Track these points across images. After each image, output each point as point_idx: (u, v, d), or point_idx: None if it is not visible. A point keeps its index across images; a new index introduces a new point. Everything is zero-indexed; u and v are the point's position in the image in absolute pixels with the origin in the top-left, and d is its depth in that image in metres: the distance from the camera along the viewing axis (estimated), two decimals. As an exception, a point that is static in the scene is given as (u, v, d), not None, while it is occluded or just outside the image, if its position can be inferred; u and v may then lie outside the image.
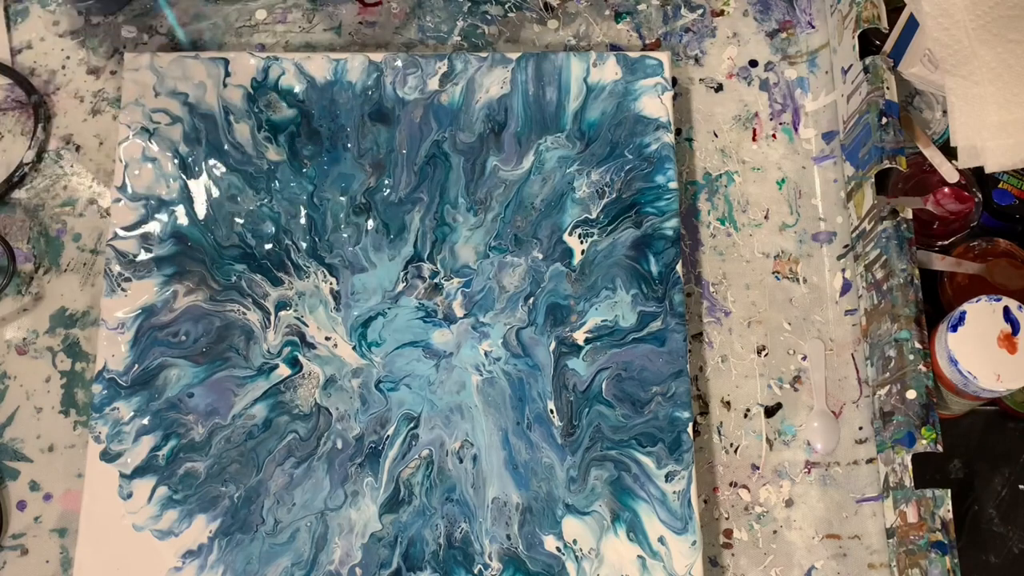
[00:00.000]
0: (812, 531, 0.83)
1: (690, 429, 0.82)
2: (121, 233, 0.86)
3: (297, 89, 0.89)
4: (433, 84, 0.90)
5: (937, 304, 0.86)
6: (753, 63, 0.96)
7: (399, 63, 0.90)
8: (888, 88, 0.85)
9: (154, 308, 0.84)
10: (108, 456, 0.80)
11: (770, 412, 0.86)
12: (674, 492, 0.80)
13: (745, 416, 0.86)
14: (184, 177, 0.87)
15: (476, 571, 0.79)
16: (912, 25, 0.84)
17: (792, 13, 0.97)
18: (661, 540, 0.79)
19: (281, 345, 0.84)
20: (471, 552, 0.79)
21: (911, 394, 0.78)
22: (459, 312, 0.85)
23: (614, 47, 0.96)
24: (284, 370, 0.83)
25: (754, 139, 0.94)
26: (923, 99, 0.90)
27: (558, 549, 0.79)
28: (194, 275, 0.85)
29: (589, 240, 0.86)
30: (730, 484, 0.85)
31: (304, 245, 0.86)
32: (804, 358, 0.88)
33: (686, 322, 0.85)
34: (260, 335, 0.84)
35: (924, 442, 0.77)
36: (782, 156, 0.93)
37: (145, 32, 0.95)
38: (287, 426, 0.82)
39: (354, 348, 0.84)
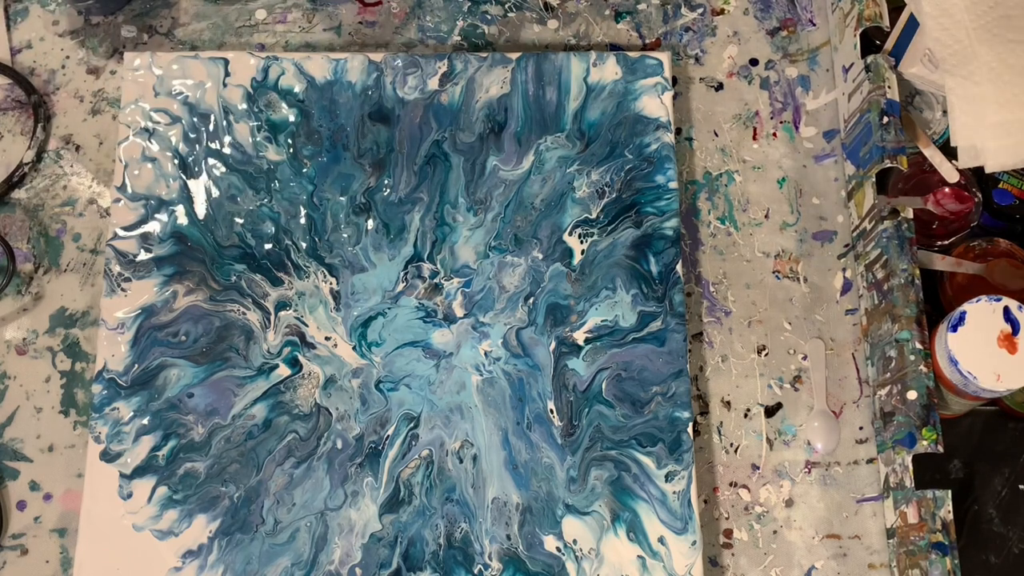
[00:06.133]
0: (812, 531, 0.83)
1: (690, 429, 0.82)
2: (121, 233, 0.86)
3: (297, 89, 0.89)
4: (433, 84, 0.90)
5: (937, 304, 0.86)
6: (754, 62, 0.96)
7: (399, 63, 0.90)
8: (890, 87, 0.85)
9: (154, 308, 0.84)
10: (108, 456, 0.81)
11: (770, 412, 0.86)
12: (674, 492, 0.80)
13: (745, 416, 0.86)
14: (184, 177, 0.87)
15: (476, 571, 0.79)
16: (912, 25, 0.84)
17: (793, 11, 0.97)
18: (661, 540, 0.79)
19: (281, 345, 0.84)
20: (471, 552, 0.79)
21: (912, 395, 0.78)
22: (459, 312, 0.85)
23: (614, 47, 0.95)
24: (284, 370, 0.83)
25: (755, 138, 0.93)
26: (923, 99, 0.90)
27: (558, 549, 0.79)
28: (194, 275, 0.85)
29: (589, 240, 0.86)
30: (730, 484, 0.85)
31: (304, 245, 0.86)
32: (804, 358, 0.87)
33: (686, 322, 0.85)
34: (260, 335, 0.84)
35: (925, 443, 0.77)
36: (783, 155, 0.93)
37: (145, 32, 0.95)
38: (287, 426, 0.82)
39: (354, 348, 0.84)
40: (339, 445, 0.82)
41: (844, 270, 0.90)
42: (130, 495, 0.80)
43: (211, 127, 0.88)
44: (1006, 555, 0.82)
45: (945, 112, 0.85)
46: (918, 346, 0.79)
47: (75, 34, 0.95)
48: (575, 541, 0.80)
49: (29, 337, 0.86)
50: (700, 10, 0.97)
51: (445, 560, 0.79)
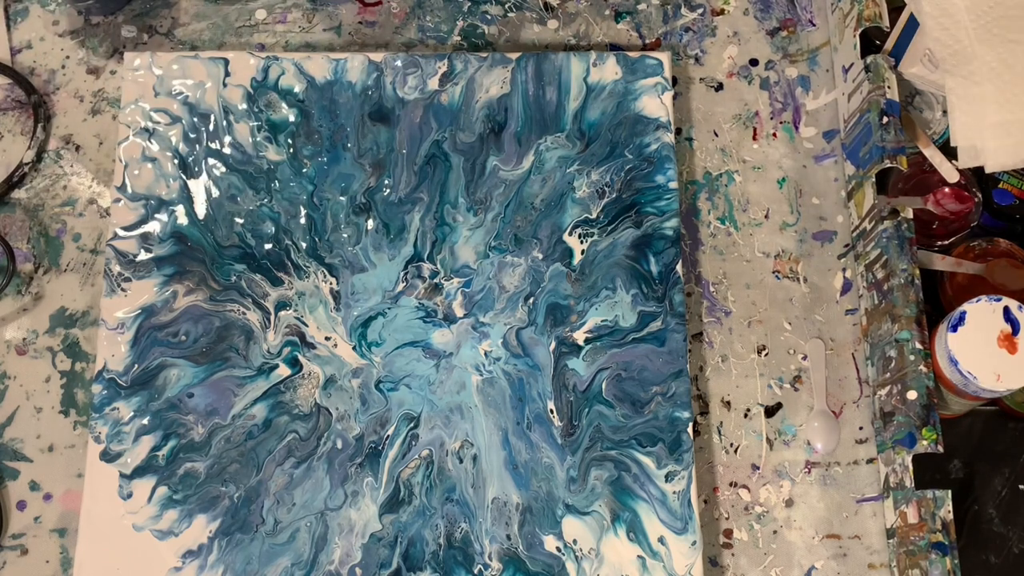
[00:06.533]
0: (812, 531, 0.83)
1: (690, 429, 0.82)
2: (121, 233, 0.86)
3: (297, 89, 0.89)
4: (433, 84, 0.90)
5: (937, 304, 0.86)
6: (754, 62, 0.96)
7: (399, 63, 0.90)
8: (889, 87, 0.85)
9: (154, 308, 0.84)
10: (108, 456, 0.81)
11: (770, 412, 0.86)
12: (674, 492, 0.80)
13: (745, 416, 0.86)
14: (184, 177, 0.87)
15: (476, 571, 0.79)
16: (912, 25, 0.84)
17: (793, 11, 0.97)
18: (661, 540, 0.79)
19: (281, 345, 0.84)
20: (471, 552, 0.79)
21: (912, 395, 0.78)
22: (459, 312, 0.85)
23: (614, 47, 0.96)
24: (284, 370, 0.83)
25: (755, 138, 0.93)
26: (923, 99, 0.90)
27: (558, 549, 0.79)
28: (194, 275, 0.85)
29: (589, 240, 0.86)
30: (730, 484, 0.85)
31: (304, 245, 0.86)
32: (804, 358, 0.87)
33: (686, 322, 0.85)
34: (260, 335, 0.84)
35: (925, 443, 0.77)
36: (783, 155, 0.93)
37: (145, 32, 0.95)
38: (287, 426, 0.82)
39: (354, 348, 0.84)
40: (339, 445, 0.82)
41: (844, 270, 0.90)
42: (130, 495, 0.80)
43: (211, 127, 0.88)
44: (1006, 555, 0.82)
45: (945, 112, 0.85)
46: (918, 346, 0.79)
47: (75, 34, 0.95)
48: (575, 541, 0.80)
49: (29, 337, 0.86)
50: (700, 10, 0.97)
51: (445, 560, 0.79)
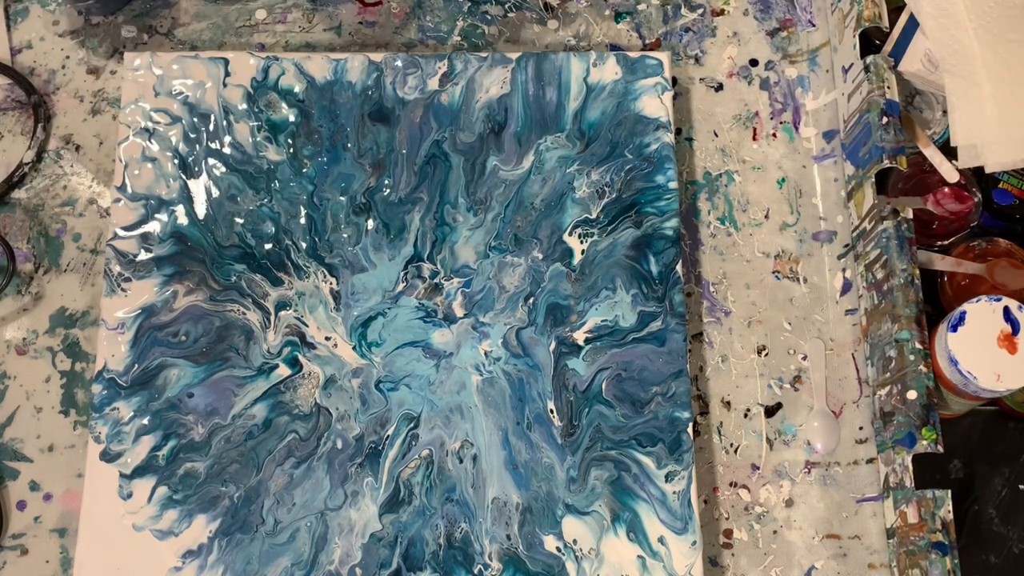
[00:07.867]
0: (812, 531, 0.83)
1: (690, 429, 0.82)
2: (121, 233, 0.86)
3: (297, 89, 0.89)
4: (433, 84, 0.90)
5: (937, 304, 0.86)
6: (753, 62, 0.96)
7: (399, 63, 0.90)
8: (889, 87, 0.85)
9: (154, 308, 0.84)
10: (108, 456, 0.81)
11: (770, 412, 0.86)
12: (674, 492, 0.80)
13: (745, 416, 0.86)
14: (184, 177, 0.87)
15: (476, 571, 0.79)
16: (912, 25, 0.84)
17: (793, 12, 0.97)
18: (661, 540, 0.79)
19: (281, 345, 0.84)
20: (471, 552, 0.79)
21: (912, 394, 0.78)
22: (459, 312, 0.85)
23: (614, 47, 0.96)
24: (284, 370, 0.83)
25: (754, 138, 0.93)
26: (923, 99, 0.90)
27: (558, 549, 0.79)
28: (194, 275, 0.85)
29: (589, 240, 0.86)
30: (730, 484, 0.85)
31: (304, 245, 0.86)
32: (804, 358, 0.87)
33: (686, 322, 0.85)
34: (260, 335, 0.84)
35: (925, 443, 0.77)
36: (782, 155, 0.93)
37: (145, 32, 0.95)
38: (287, 426, 0.82)
39: (354, 348, 0.84)
40: (339, 445, 0.82)
41: (844, 270, 0.90)
42: (130, 495, 0.80)
43: (211, 127, 0.88)
44: (1006, 555, 0.82)
45: (945, 112, 0.85)
46: (918, 346, 0.79)
47: (75, 34, 0.95)
48: (575, 541, 0.80)
49: (29, 337, 0.86)
50: (700, 10, 0.97)
51: (445, 560, 0.79)
